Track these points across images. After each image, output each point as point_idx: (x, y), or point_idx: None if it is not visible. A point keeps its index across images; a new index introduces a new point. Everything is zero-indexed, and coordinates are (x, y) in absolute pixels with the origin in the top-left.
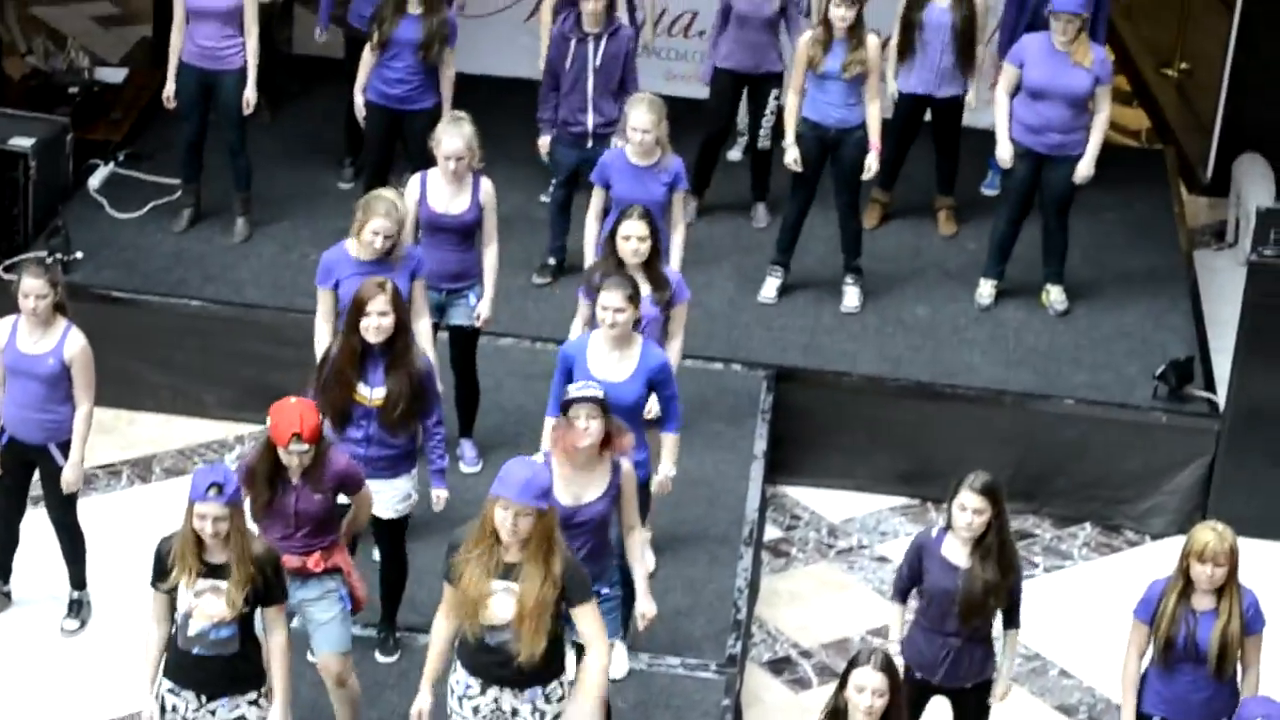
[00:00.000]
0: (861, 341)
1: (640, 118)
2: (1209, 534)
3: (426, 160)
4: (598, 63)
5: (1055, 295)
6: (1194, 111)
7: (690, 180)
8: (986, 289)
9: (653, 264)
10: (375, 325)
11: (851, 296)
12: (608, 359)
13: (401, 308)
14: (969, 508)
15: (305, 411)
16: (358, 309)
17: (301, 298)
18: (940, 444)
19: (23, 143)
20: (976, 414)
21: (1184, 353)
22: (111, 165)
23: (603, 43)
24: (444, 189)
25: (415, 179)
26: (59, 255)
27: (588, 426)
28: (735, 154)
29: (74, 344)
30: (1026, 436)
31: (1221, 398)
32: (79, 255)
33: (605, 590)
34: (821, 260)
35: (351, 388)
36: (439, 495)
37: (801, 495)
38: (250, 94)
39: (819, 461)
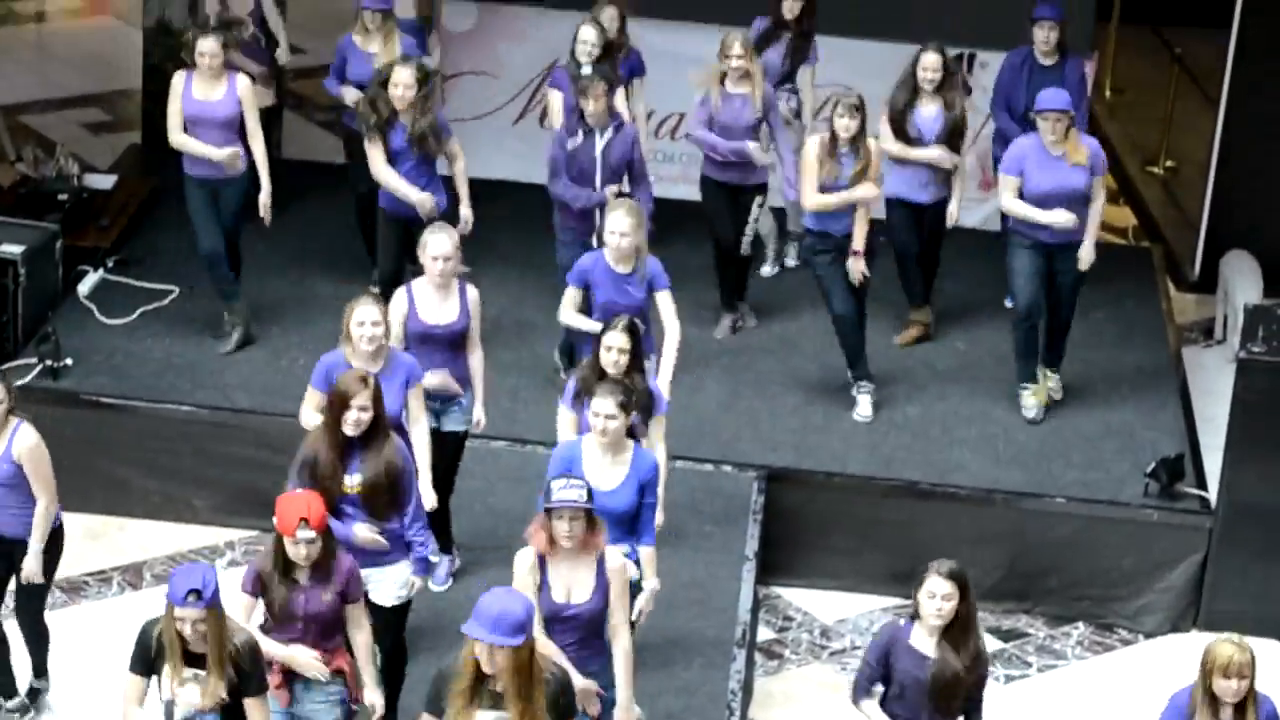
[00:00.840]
0: (852, 441)
1: (619, 221)
2: (1230, 648)
3: None
4: (605, 157)
5: (1053, 383)
6: (1181, 209)
7: (723, 298)
8: (1030, 400)
9: (630, 376)
10: (355, 419)
11: (865, 405)
12: (600, 464)
13: (381, 403)
14: (938, 594)
15: (311, 500)
16: (341, 403)
17: (291, 403)
18: (932, 544)
19: (12, 250)
20: (968, 513)
21: (1174, 450)
22: (101, 271)
23: (608, 135)
24: (432, 298)
25: (400, 293)
26: (49, 362)
27: (570, 530)
28: (767, 269)
29: (23, 442)
30: (1018, 535)
31: (1213, 495)
32: (69, 361)
33: (601, 693)
34: (812, 359)
35: (339, 480)
36: (413, 582)
37: (794, 596)
38: (265, 198)
39: (811, 562)
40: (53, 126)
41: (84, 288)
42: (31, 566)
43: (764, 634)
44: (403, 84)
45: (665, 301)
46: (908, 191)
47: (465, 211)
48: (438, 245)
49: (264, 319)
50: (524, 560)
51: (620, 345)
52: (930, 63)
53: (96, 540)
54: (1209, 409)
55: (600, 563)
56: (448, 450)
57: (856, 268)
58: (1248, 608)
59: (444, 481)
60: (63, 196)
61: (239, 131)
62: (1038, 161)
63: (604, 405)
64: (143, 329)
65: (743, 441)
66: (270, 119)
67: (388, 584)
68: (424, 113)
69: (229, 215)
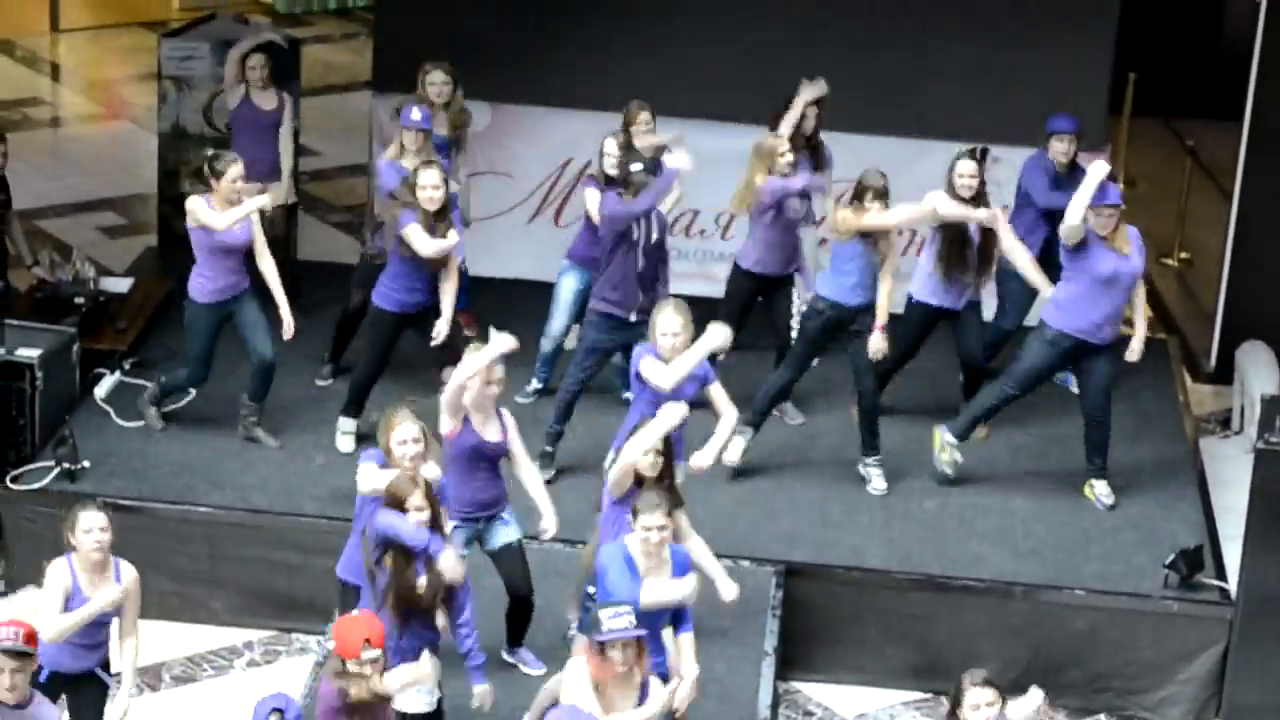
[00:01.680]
0: (870, 535)
1: (669, 321)
2: None
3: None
4: (653, 239)
5: (1101, 490)
6: (1196, 300)
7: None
8: (946, 458)
9: (666, 476)
10: (416, 520)
11: (879, 480)
12: (647, 567)
13: (436, 501)
14: (982, 703)
15: (370, 619)
16: (397, 506)
17: (308, 502)
18: (952, 637)
19: (30, 353)
20: (987, 606)
21: (1193, 541)
22: (118, 374)
23: (653, 219)
24: (481, 419)
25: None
26: (66, 465)
27: (624, 657)
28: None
29: (129, 574)
30: (1037, 628)
31: (1233, 585)
32: (86, 464)
33: None
34: (829, 454)
35: (413, 584)
36: (480, 691)
37: (814, 691)
38: (286, 316)
39: (830, 657)
40: (69, 230)
41: (101, 390)
42: (119, 711)
43: None
44: (430, 185)
45: (717, 391)
46: (941, 298)
47: (442, 325)
48: (499, 369)
49: (280, 419)
50: (581, 684)
51: (656, 447)
52: (967, 169)
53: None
54: (1227, 499)
55: (644, 690)
56: (508, 564)
57: (878, 345)
58: (1270, 698)
59: (521, 594)
60: (79, 300)
61: (248, 254)
62: (1100, 249)
63: (653, 519)
64: (159, 431)
65: (761, 536)
66: (288, 217)
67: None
68: (441, 218)
69: (254, 322)
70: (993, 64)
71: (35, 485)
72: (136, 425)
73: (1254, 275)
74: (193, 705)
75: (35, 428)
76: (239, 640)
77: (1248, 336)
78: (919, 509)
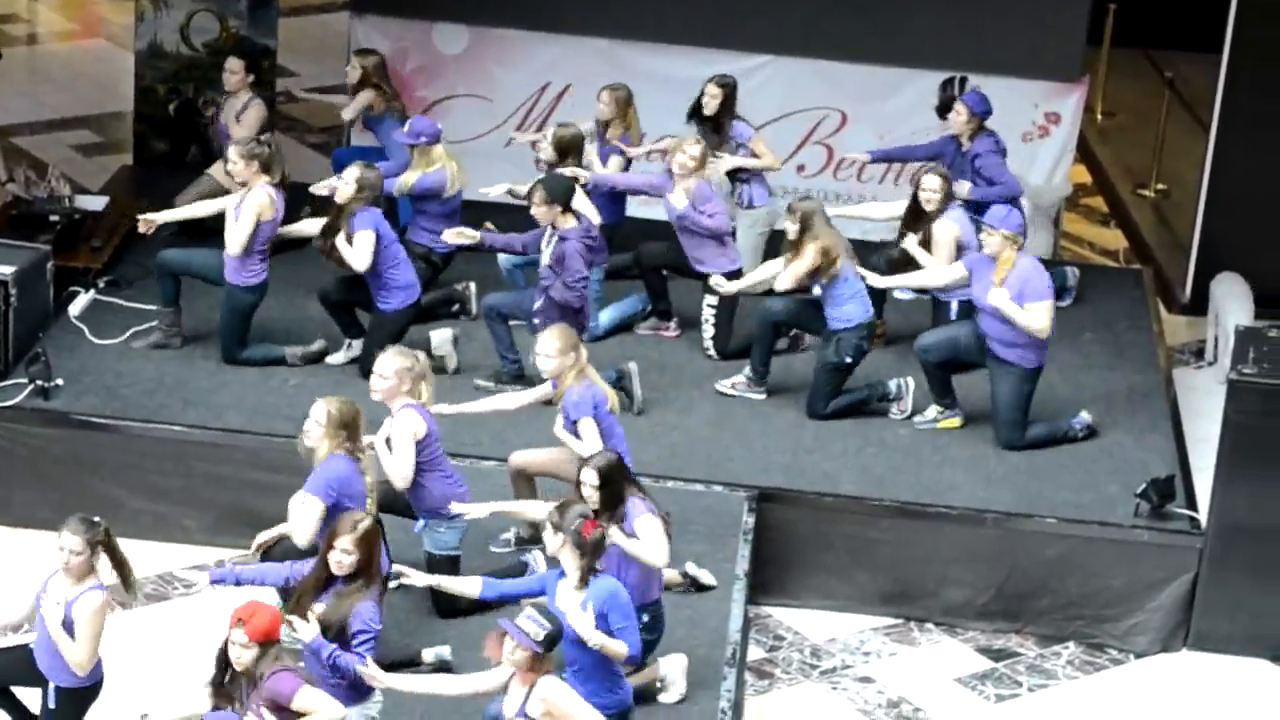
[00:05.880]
0: (843, 462)
1: (544, 343)
2: None
3: None
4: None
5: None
6: (1172, 231)
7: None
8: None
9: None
10: (337, 560)
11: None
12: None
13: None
14: None
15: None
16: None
17: (281, 422)
18: (923, 564)
19: (3, 270)
20: (959, 533)
21: (1165, 471)
22: (92, 292)
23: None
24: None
25: (417, 414)
26: (40, 382)
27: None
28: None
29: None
30: (1009, 555)
31: (1203, 515)
32: (59, 382)
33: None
34: (803, 381)
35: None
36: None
37: (784, 616)
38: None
39: (801, 582)
40: (45, 148)
41: (75, 308)
42: None
43: (754, 653)
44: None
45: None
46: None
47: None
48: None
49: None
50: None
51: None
52: (931, 184)
53: None
54: (1200, 430)
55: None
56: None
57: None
58: (1237, 628)
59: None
60: (54, 218)
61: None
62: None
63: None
64: (134, 349)
65: (734, 461)
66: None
67: None
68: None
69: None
70: None
71: (8, 402)
72: (110, 343)
73: (1230, 207)
74: (163, 623)
75: (9, 345)
76: (211, 559)
77: (1222, 268)
78: (893, 436)
